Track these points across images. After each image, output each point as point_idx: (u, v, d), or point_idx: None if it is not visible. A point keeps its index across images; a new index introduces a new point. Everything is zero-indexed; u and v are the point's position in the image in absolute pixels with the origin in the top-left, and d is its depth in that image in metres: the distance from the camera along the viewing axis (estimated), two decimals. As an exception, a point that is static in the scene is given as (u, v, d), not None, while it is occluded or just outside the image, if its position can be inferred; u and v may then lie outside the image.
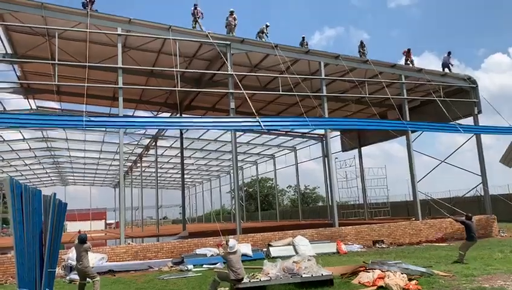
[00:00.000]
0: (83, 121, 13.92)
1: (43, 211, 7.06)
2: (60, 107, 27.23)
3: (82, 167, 49.72)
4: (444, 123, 21.80)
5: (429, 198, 24.51)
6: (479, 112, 23.59)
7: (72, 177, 59.75)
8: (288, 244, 16.16)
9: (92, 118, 14.46)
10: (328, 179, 24.56)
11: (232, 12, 19.48)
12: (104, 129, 32.74)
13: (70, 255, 13.59)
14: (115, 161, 43.14)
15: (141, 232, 41.40)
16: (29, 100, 24.84)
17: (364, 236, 18.73)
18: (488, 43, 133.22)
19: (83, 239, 9.27)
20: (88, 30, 15.97)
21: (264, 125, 15.51)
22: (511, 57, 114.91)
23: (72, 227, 63.16)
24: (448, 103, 24.08)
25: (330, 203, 24.94)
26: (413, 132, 22.54)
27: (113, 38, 17.22)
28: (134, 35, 17.39)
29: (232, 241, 8.90)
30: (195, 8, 18.87)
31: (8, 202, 6.76)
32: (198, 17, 18.73)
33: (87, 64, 15.59)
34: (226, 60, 18.02)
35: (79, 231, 12.24)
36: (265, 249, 16.07)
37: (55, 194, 7.18)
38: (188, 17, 18.96)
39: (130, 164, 46.13)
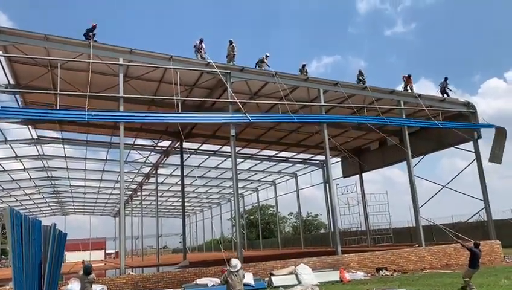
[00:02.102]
0: (85, 114, 15.35)
1: (42, 241, 6.99)
2: (61, 136, 27.32)
3: (82, 196, 49.48)
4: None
5: (432, 224, 24.30)
6: (479, 136, 23.66)
7: (72, 207, 59.33)
8: (291, 273, 15.90)
9: (94, 112, 15.72)
10: (329, 206, 24.44)
11: (231, 42, 19.84)
12: (104, 158, 32.88)
13: (69, 287, 13.29)
14: (115, 189, 42.99)
15: (141, 261, 40.81)
16: (30, 129, 24.92)
17: (368, 263, 18.46)
18: (484, 69, 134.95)
19: (88, 270, 8.92)
20: (90, 61, 16.20)
21: (251, 119, 18.28)
22: (507, 82, 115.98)
23: (72, 257, 62.36)
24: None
25: (332, 230, 24.71)
26: (417, 156, 22.51)
27: (114, 68, 17.41)
28: (136, 65, 17.62)
29: (234, 261, 8.72)
30: (201, 42, 19.19)
31: (7, 233, 6.70)
32: (202, 52, 19.04)
33: (88, 93, 15.74)
34: (226, 88, 18.24)
35: (82, 262, 12.00)
36: (267, 279, 15.80)
37: (55, 224, 7.14)
38: (187, 49, 19.33)
39: (130, 192, 45.95)
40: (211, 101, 21.41)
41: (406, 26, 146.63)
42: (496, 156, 23.54)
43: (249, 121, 18.37)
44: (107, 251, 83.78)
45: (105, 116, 16.90)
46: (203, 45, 19.20)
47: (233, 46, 19.73)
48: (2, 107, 15.32)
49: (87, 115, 15.50)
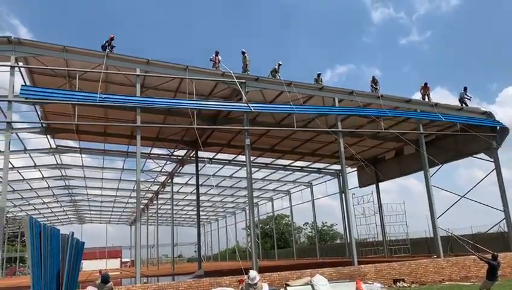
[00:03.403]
0: (97, 97, 15.61)
1: (61, 250, 7.06)
2: (78, 146, 27.74)
3: (99, 205, 50.01)
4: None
5: (450, 234, 23.87)
6: (498, 145, 23.23)
7: (88, 215, 59.98)
8: (307, 284, 15.72)
9: (105, 95, 16.11)
10: (345, 216, 24.20)
11: (243, 53, 20.03)
12: (121, 167, 33.23)
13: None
14: (132, 198, 43.32)
15: (157, 270, 40.91)
16: (49, 139, 25.36)
17: (385, 275, 18.17)
18: (501, 77, 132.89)
19: (106, 279, 9.04)
20: (107, 71, 16.46)
21: (253, 109, 18.49)
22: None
23: (88, 265, 62.82)
24: (466, 137, 23.86)
25: (348, 241, 24.47)
26: (434, 165, 22.18)
27: (131, 79, 17.67)
28: (153, 76, 17.84)
29: (252, 273, 8.63)
30: (216, 55, 19.39)
31: (26, 241, 6.79)
32: (217, 65, 19.24)
33: (106, 104, 15.98)
34: (242, 97, 18.33)
35: (100, 271, 12.12)
36: (283, 289, 15.67)
37: (73, 233, 7.22)
38: (203, 60, 19.53)
39: (146, 201, 46.26)
40: (226, 110, 21.51)
41: (421, 34, 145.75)
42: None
43: (250, 110, 18.37)
44: (122, 260, 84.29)
45: (119, 100, 16.76)
46: (219, 57, 19.38)
47: (245, 56, 19.90)
48: (22, 86, 15.59)
49: (99, 97, 15.78)
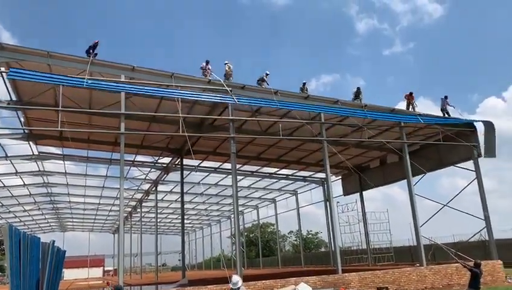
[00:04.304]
0: (84, 81, 15.25)
1: (41, 258, 6.94)
2: (61, 153, 27.36)
3: (81, 213, 49.29)
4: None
5: (433, 243, 24.11)
6: (479, 155, 23.62)
7: (71, 223, 59.06)
8: (291, 292, 15.72)
9: (92, 81, 15.74)
10: (330, 224, 24.27)
11: (226, 63, 20.03)
12: (104, 175, 32.87)
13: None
14: (115, 206, 42.85)
15: (140, 279, 40.41)
16: (31, 145, 24.98)
17: (369, 283, 18.26)
18: (482, 88, 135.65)
19: None
20: (92, 78, 16.30)
21: (237, 101, 18.21)
22: (505, 101, 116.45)
23: (70, 274, 61.74)
24: (448, 146, 24.24)
25: (333, 249, 24.55)
26: (417, 174, 22.45)
27: (116, 85, 17.51)
28: (138, 82, 17.69)
29: (235, 277, 8.58)
30: (207, 64, 19.38)
31: (6, 250, 6.67)
32: (207, 73, 19.22)
33: (90, 110, 15.80)
34: (227, 105, 18.34)
35: (107, 283, 11.89)
36: (267, 297, 15.62)
37: (54, 241, 7.11)
38: (190, 71, 19.40)
39: (129, 209, 45.77)
40: (211, 118, 21.50)
41: (405, 46, 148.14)
42: (490, 150, 23.54)
43: (234, 102, 18.19)
44: (105, 268, 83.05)
45: (107, 85, 16.39)
46: (209, 66, 19.38)
47: (229, 66, 19.93)
48: (11, 69, 15.14)
49: (86, 82, 15.46)
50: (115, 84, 16.53)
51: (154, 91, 17.62)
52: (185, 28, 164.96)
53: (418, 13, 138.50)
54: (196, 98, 18.81)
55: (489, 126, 23.59)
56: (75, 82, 15.71)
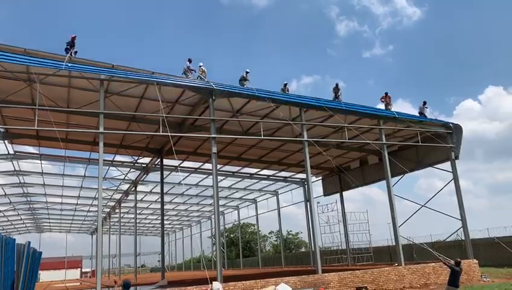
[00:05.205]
0: (62, 64, 15.05)
1: (16, 260, 6.77)
2: (38, 152, 26.79)
3: (59, 213, 48.39)
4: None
5: (411, 242, 24.49)
6: (456, 157, 24.10)
7: (48, 224, 57.90)
8: (271, 293, 15.72)
9: (73, 64, 15.47)
10: (310, 224, 24.39)
11: (200, 66, 19.85)
12: (82, 175, 32.35)
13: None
14: (93, 206, 42.19)
15: (119, 280, 39.86)
16: (7, 144, 24.39)
17: (348, 283, 18.42)
18: (458, 91, 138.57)
19: (128, 285, 8.65)
20: (70, 76, 16.01)
21: (215, 87, 18.12)
22: (481, 103, 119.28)
23: (46, 276, 60.52)
24: (427, 148, 24.68)
25: (313, 249, 24.68)
26: (396, 175, 22.77)
27: (95, 84, 17.25)
28: (118, 81, 17.45)
29: (216, 284, 8.57)
30: (190, 62, 19.21)
31: (-21, 251, 6.47)
32: (190, 73, 19.05)
33: (67, 109, 15.51)
34: (208, 105, 18.24)
35: (115, 281, 11.67)
36: (248, 298, 15.59)
37: (29, 242, 6.95)
38: (170, 71, 19.15)
39: (108, 210, 45.13)
40: (192, 118, 21.37)
41: (384, 48, 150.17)
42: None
43: (212, 88, 18.08)
44: (83, 270, 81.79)
45: (87, 68, 16.08)
46: (190, 65, 19.22)
47: (202, 69, 19.76)
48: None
49: (66, 64, 15.18)
50: (95, 68, 16.20)
51: (136, 75, 17.30)
52: (164, 27, 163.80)
53: (397, 16, 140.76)
54: (185, 84, 18.49)
55: (457, 129, 24.26)
56: (52, 64, 15.31)
